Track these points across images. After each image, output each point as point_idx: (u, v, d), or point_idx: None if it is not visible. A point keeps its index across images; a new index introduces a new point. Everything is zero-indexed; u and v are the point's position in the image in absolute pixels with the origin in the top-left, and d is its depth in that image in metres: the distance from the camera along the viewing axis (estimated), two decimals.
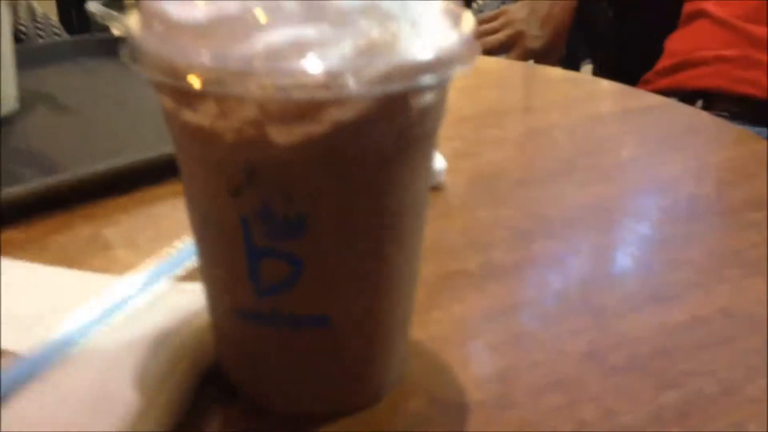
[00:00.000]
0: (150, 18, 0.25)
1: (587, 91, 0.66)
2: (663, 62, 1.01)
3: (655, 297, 0.38)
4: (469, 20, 0.28)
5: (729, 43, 0.94)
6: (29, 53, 0.67)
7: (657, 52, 1.04)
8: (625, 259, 0.41)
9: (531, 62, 1.04)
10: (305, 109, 0.24)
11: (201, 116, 0.25)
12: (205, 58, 0.23)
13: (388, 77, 0.24)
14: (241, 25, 0.23)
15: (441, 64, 0.25)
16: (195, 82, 0.23)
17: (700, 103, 0.94)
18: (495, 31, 1.03)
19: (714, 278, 0.39)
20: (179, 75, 0.24)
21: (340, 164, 0.25)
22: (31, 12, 0.88)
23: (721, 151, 0.55)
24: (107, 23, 0.75)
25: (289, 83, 0.23)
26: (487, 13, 1.07)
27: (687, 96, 0.95)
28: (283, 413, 0.30)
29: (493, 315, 0.37)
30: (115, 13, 0.73)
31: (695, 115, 0.62)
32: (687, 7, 1.05)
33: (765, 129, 0.85)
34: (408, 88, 0.25)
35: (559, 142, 0.56)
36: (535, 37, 1.03)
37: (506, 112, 0.61)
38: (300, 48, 0.23)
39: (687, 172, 0.51)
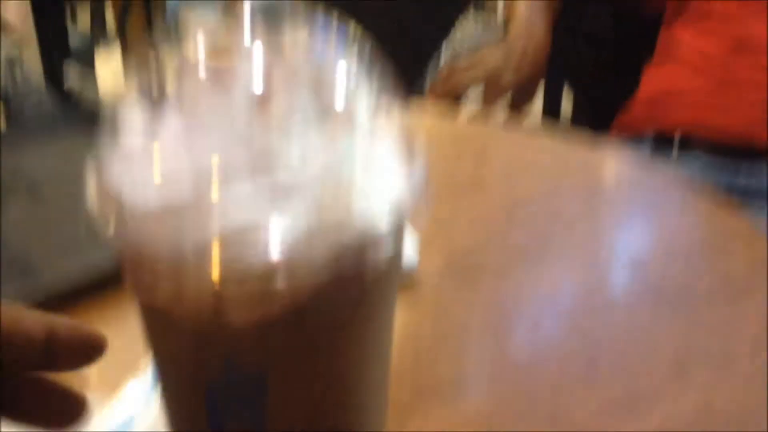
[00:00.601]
0: (107, 202, 0.25)
1: (560, 156, 0.67)
2: (639, 97, 1.02)
3: (626, 404, 0.38)
4: (422, 151, 0.28)
5: (704, 75, 0.95)
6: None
7: (635, 84, 1.05)
8: (595, 364, 0.42)
9: (511, 104, 1.05)
10: (261, 293, 0.24)
11: (160, 299, 0.25)
12: (161, 247, 0.24)
13: (341, 253, 0.24)
14: (195, 211, 0.24)
15: (395, 228, 0.26)
16: (150, 264, 0.24)
17: (678, 138, 0.94)
18: (472, 67, 1.04)
19: (686, 380, 0.40)
20: (138, 265, 0.24)
21: (298, 332, 0.26)
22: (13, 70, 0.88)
23: (694, 226, 0.55)
24: (81, 90, 0.75)
25: (244, 271, 0.23)
26: (464, 55, 1.07)
27: (664, 132, 0.96)
28: None
29: (465, 424, 0.37)
30: (91, 78, 0.74)
31: (667, 179, 0.62)
32: (662, 39, 1.06)
33: (741, 163, 0.86)
34: (362, 261, 0.25)
35: (531, 220, 0.57)
36: (512, 72, 1.04)
37: (481, 186, 0.62)
38: (254, 231, 0.23)
39: (655, 247, 0.52)
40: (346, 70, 0.26)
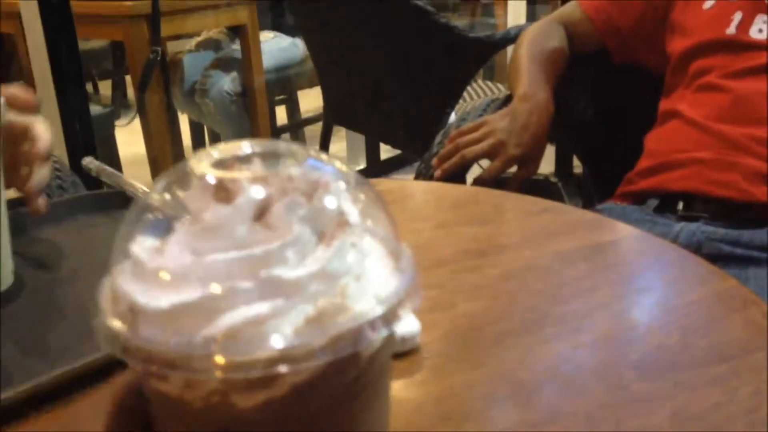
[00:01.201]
0: (119, 300, 0.28)
1: (558, 223, 0.69)
2: (643, 162, 1.05)
3: None
4: (409, 257, 0.30)
5: (703, 144, 0.97)
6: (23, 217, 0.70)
7: (640, 147, 1.07)
8: (593, 427, 0.43)
9: (516, 171, 1.07)
10: (264, 379, 0.26)
11: (170, 386, 0.27)
12: (170, 343, 0.26)
13: (337, 341, 0.26)
14: (202, 309, 0.26)
15: (387, 316, 0.28)
16: (157, 366, 0.26)
17: (681, 205, 0.96)
18: (477, 141, 1.07)
19: None
20: (148, 358, 0.26)
21: (300, 414, 0.28)
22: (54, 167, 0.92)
23: (688, 293, 0.56)
24: (101, 178, 0.79)
25: (249, 361, 0.26)
26: (469, 124, 1.10)
27: (668, 197, 0.98)
28: None
29: None
30: (108, 169, 0.77)
31: (662, 249, 0.64)
32: (663, 106, 1.09)
33: (743, 231, 0.87)
34: (357, 347, 0.27)
35: (531, 287, 0.58)
36: (516, 144, 1.07)
37: (481, 253, 0.63)
38: (257, 325, 0.26)
39: (654, 319, 0.53)
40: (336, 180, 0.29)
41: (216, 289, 0.26)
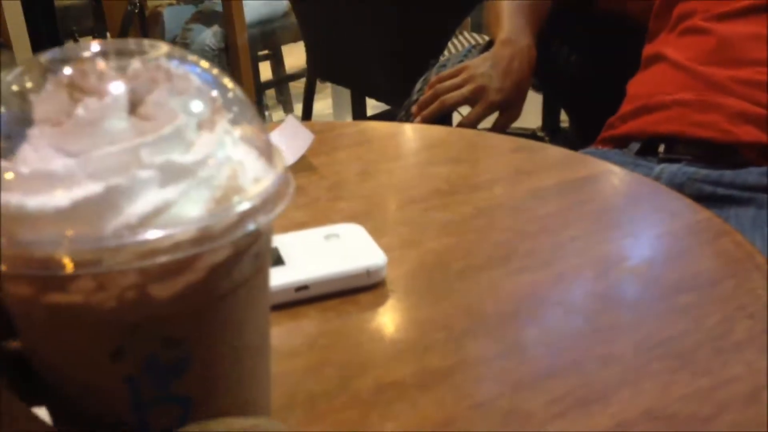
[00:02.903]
0: None
1: (534, 162, 0.67)
2: (625, 107, 1.03)
3: (581, 400, 0.38)
4: (281, 160, 0.30)
5: (686, 86, 0.95)
6: None
7: (623, 94, 1.05)
8: (555, 357, 0.42)
9: (498, 117, 1.06)
10: (183, 263, 0.26)
11: (73, 295, 0.25)
12: (77, 241, 0.24)
13: (245, 218, 0.26)
14: (105, 203, 0.25)
15: (274, 199, 0.28)
16: (69, 266, 0.24)
17: (662, 147, 0.95)
18: (458, 86, 1.05)
19: (641, 375, 0.40)
20: (47, 264, 0.24)
21: (213, 300, 0.28)
22: None
23: (660, 225, 0.55)
24: None
25: (169, 244, 0.25)
26: (449, 69, 1.08)
27: (649, 140, 0.96)
28: None
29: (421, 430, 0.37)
30: None
31: (637, 183, 0.63)
32: (646, 51, 1.07)
33: (725, 172, 0.86)
34: (260, 224, 0.27)
35: (500, 223, 0.57)
36: (497, 90, 1.05)
37: (453, 192, 0.62)
38: (166, 210, 0.25)
39: (623, 251, 0.52)
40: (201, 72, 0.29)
41: (118, 180, 0.25)
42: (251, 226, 0.26)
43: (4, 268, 0.25)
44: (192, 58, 0.29)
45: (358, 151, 0.71)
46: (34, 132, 0.26)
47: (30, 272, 0.25)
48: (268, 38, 2.61)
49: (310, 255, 0.50)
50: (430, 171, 0.67)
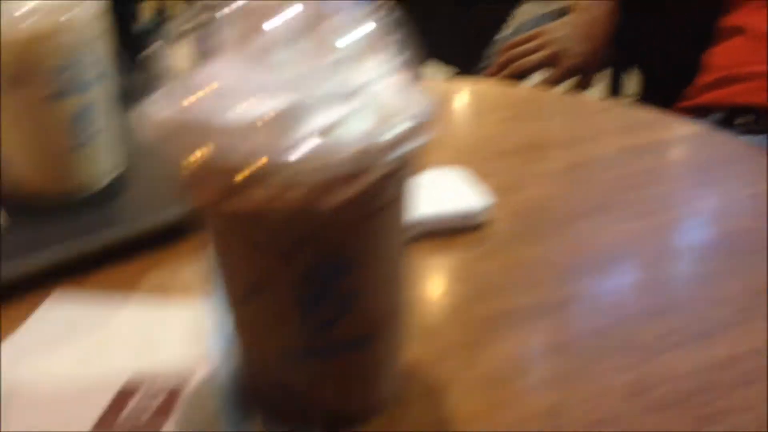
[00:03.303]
0: (186, 124, 0.28)
1: (624, 121, 0.68)
2: (704, 77, 1.02)
3: (695, 334, 0.40)
4: (430, 95, 0.32)
5: (765, 58, 0.94)
6: None
7: (697, 65, 1.05)
8: (665, 297, 0.43)
9: (570, 91, 1.06)
10: (349, 177, 0.28)
11: (254, 201, 0.28)
12: (261, 151, 0.27)
13: (403, 139, 0.29)
14: (287, 117, 0.27)
15: (425, 127, 0.30)
16: (253, 173, 0.27)
17: (743, 119, 0.94)
18: (535, 50, 1.05)
19: (753, 315, 0.41)
20: (232, 171, 0.27)
21: (372, 212, 0.30)
22: None
23: (757, 184, 0.56)
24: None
25: (339, 159, 0.27)
26: (527, 33, 1.08)
27: (730, 112, 0.96)
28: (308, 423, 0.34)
29: (539, 353, 0.39)
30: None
31: (729, 144, 0.63)
32: (725, 22, 1.06)
33: None
34: (415, 146, 0.29)
35: (598, 177, 0.58)
36: (575, 54, 1.05)
37: (546, 146, 0.63)
38: (337, 128, 0.28)
39: (724, 207, 0.53)
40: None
41: (299, 97, 0.27)
42: (407, 148, 0.29)
43: (192, 174, 0.28)
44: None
45: (447, 107, 0.72)
46: (224, 53, 0.29)
47: (216, 179, 0.28)
48: None
49: (417, 194, 0.52)
50: (521, 126, 0.68)
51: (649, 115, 0.70)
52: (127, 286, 0.46)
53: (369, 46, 0.30)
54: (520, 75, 1.05)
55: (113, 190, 0.57)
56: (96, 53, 0.53)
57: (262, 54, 0.29)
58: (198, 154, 0.27)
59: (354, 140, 0.27)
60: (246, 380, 0.36)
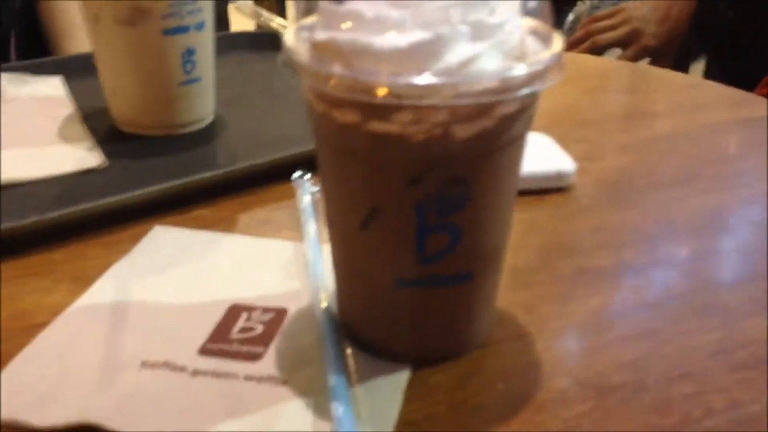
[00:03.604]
0: (339, 48, 0.30)
1: (708, 97, 0.68)
2: None
3: None
4: (558, 42, 0.33)
5: None
6: None
7: None
8: (749, 264, 0.44)
9: (648, 64, 1.05)
10: (483, 108, 0.30)
11: (392, 125, 0.30)
12: (406, 77, 0.29)
13: (535, 77, 0.30)
14: (430, 48, 0.29)
15: (553, 70, 0.32)
16: (396, 97, 0.29)
17: None
18: (613, 27, 1.05)
19: None
20: (377, 93, 0.29)
21: (498, 148, 0.32)
22: None
23: None
24: (253, 19, 0.82)
25: (476, 90, 0.29)
26: (606, 10, 1.08)
27: None
28: (400, 358, 0.36)
29: (626, 310, 0.41)
30: (262, 11, 0.80)
31: None
32: None
33: None
34: (544, 85, 0.31)
35: (681, 150, 0.59)
36: (653, 35, 1.04)
37: (629, 117, 0.64)
38: (474, 61, 0.30)
39: None
40: None
41: (441, 30, 0.29)
42: (538, 86, 0.31)
43: (340, 92, 0.30)
44: None
45: None
46: None
47: (363, 99, 0.30)
48: None
49: None
50: (604, 97, 0.69)
51: (730, 92, 0.70)
52: (225, 225, 0.48)
53: None
54: (597, 50, 1.05)
55: (212, 131, 0.60)
56: None
57: None
58: (347, 75, 0.30)
59: (491, 74, 0.29)
60: (342, 316, 0.38)
